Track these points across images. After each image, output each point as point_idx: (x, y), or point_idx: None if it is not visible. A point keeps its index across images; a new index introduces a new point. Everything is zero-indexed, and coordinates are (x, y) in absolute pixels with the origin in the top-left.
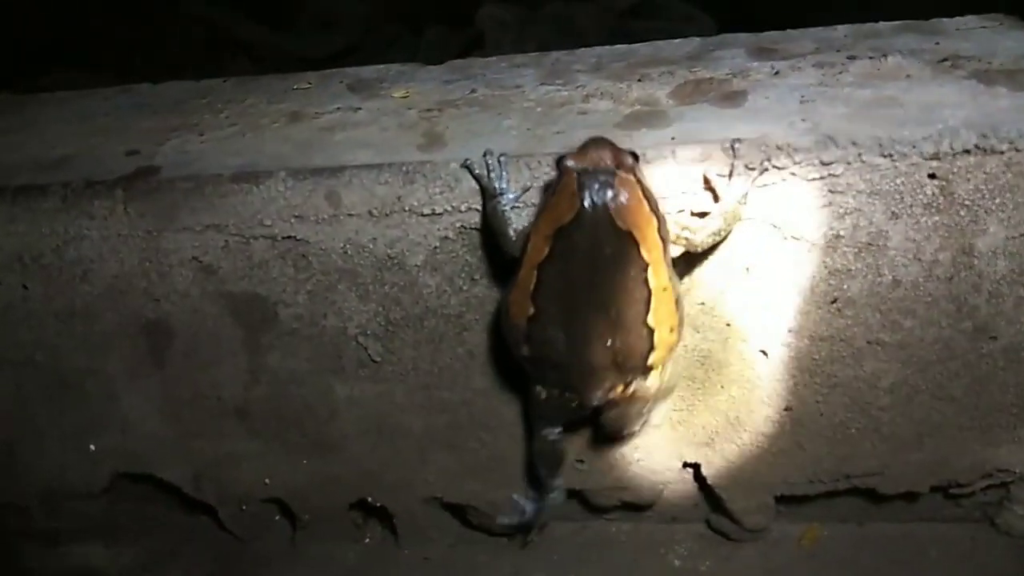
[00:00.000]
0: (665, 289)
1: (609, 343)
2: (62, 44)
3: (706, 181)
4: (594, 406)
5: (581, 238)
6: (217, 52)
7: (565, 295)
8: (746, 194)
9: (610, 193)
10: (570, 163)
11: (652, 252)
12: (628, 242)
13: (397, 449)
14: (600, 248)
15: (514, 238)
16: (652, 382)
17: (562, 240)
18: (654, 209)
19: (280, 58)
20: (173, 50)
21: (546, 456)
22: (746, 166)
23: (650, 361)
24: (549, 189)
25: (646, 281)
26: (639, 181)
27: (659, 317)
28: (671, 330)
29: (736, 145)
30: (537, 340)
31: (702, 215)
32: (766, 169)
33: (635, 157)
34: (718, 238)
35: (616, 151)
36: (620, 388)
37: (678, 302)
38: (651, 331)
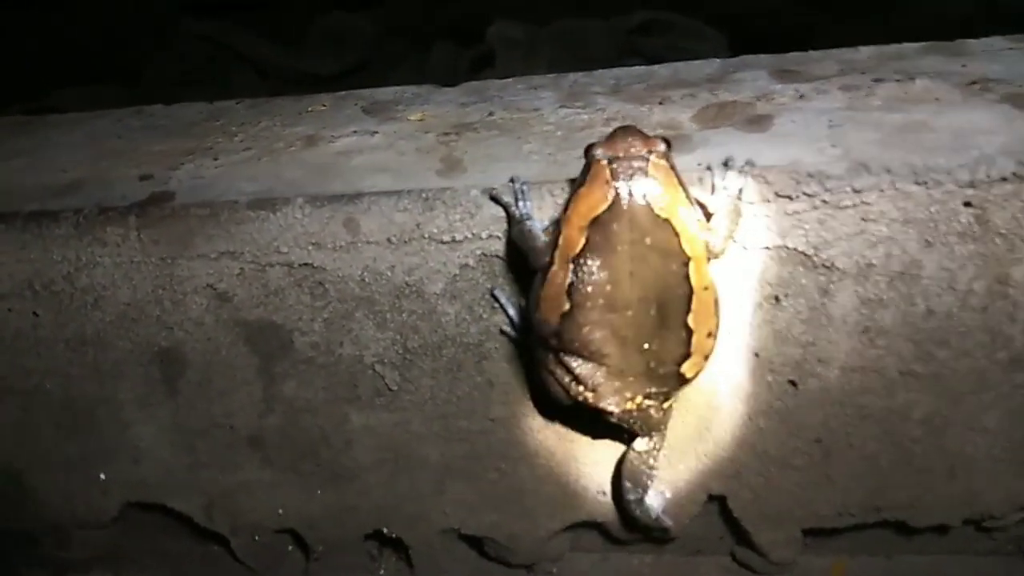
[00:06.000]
0: (707, 288)
1: (647, 346)
2: (71, 61)
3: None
4: (610, 412)
5: (619, 228)
6: (225, 69)
7: (604, 290)
8: (741, 189)
9: (645, 180)
10: (600, 151)
11: (693, 246)
12: (668, 232)
13: (414, 480)
14: (640, 238)
15: (545, 248)
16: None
17: (598, 231)
18: (690, 199)
19: (287, 75)
20: (181, 66)
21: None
22: (724, 163)
23: (683, 368)
24: (577, 180)
25: (687, 277)
26: (672, 168)
27: (699, 319)
28: (709, 335)
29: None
30: (570, 337)
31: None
32: (752, 164)
33: (667, 143)
34: (732, 240)
35: (646, 137)
36: (641, 398)
37: (717, 304)
38: (690, 333)
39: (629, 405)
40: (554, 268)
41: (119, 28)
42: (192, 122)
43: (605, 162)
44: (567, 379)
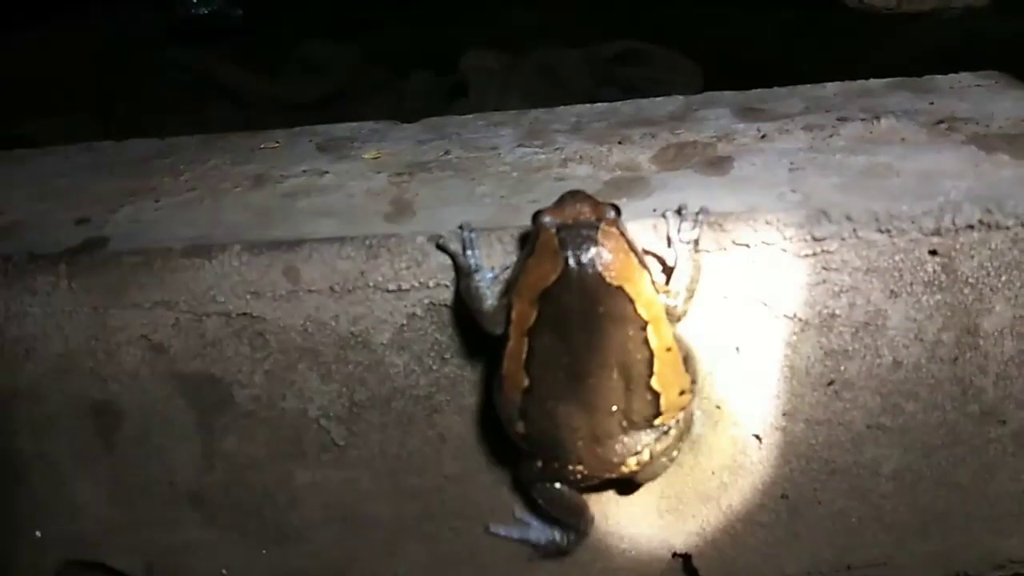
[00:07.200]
0: (669, 349)
1: (615, 408)
2: (45, 90)
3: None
4: (603, 478)
5: (570, 299)
6: (201, 97)
7: (561, 362)
8: (697, 240)
9: (595, 248)
10: (548, 219)
11: (650, 309)
12: (621, 299)
13: (364, 539)
14: (592, 307)
15: (493, 313)
16: (662, 441)
17: (550, 303)
18: (642, 264)
19: (265, 103)
20: (157, 96)
21: (556, 503)
22: (678, 211)
23: (657, 422)
24: (526, 248)
25: (646, 341)
26: (623, 234)
27: (664, 380)
28: (681, 392)
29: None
30: (535, 414)
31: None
32: (706, 212)
33: (616, 210)
34: (693, 297)
35: (595, 204)
36: (629, 458)
37: (687, 361)
38: (656, 395)
39: (624, 470)
40: (511, 344)
41: (95, 56)
42: (141, 160)
43: (553, 231)
44: (555, 466)
